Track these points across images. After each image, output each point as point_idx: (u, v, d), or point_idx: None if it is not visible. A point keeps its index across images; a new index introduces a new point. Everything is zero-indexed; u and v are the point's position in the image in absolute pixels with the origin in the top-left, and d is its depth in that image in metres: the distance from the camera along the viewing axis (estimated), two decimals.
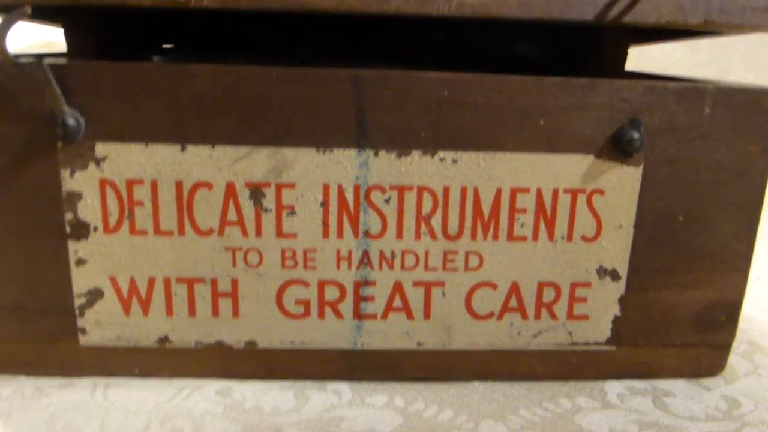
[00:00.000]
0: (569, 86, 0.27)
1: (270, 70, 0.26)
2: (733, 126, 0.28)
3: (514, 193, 0.28)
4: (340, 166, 0.27)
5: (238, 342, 0.30)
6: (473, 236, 0.29)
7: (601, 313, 0.30)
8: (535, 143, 0.28)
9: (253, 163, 0.27)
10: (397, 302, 0.29)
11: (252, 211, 0.28)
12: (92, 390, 0.29)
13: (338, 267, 0.29)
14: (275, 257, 0.29)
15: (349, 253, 0.29)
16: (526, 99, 0.27)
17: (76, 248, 0.28)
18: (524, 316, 0.30)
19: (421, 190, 0.28)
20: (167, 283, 0.29)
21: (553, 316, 0.30)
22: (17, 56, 0.25)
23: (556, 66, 0.37)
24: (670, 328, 0.31)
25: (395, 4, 0.26)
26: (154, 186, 0.27)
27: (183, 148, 0.27)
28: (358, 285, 0.29)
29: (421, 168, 0.28)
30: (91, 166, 0.27)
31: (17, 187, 0.27)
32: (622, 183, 0.28)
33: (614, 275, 0.30)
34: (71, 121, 0.26)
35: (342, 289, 0.29)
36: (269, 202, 0.28)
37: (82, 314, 0.29)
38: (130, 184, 0.27)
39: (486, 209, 0.28)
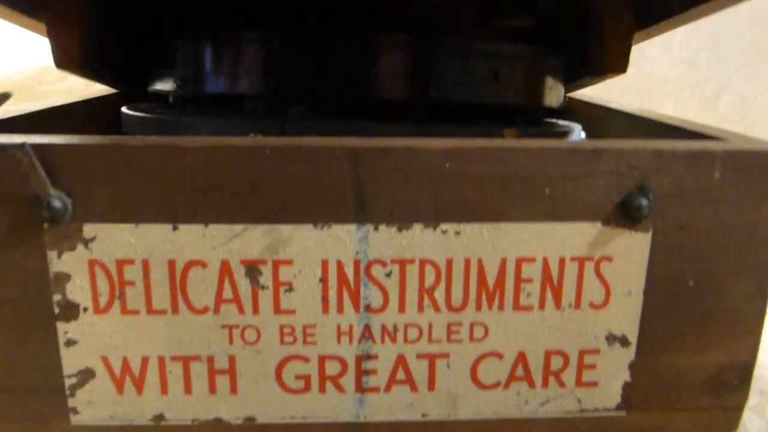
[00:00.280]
0: (575, 154, 0.26)
1: (263, 147, 0.25)
2: (743, 188, 0.27)
3: (519, 263, 0.27)
4: (339, 241, 0.26)
5: (236, 418, 0.29)
6: (478, 307, 0.28)
7: (610, 379, 0.29)
8: (541, 212, 0.27)
9: (248, 240, 0.26)
10: (401, 375, 0.28)
11: (248, 288, 0.27)
12: None
13: (339, 342, 0.28)
14: (273, 334, 0.27)
15: (350, 327, 0.28)
16: (531, 169, 0.26)
17: (65, 329, 0.27)
18: (531, 384, 0.29)
19: (423, 263, 0.27)
20: (162, 361, 0.28)
21: (561, 383, 0.29)
22: None
23: (557, 57, 0.36)
24: (682, 392, 0.30)
25: None
26: (145, 266, 0.26)
27: (175, 228, 0.26)
28: (359, 359, 0.28)
29: (422, 241, 0.27)
30: (80, 247, 0.26)
31: (2, 269, 0.26)
32: (631, 249, 0.27)
33: (624, 341, 0.29)
34: (57, 204, 0.25)
35: (343, 363, 0.28)
36: (266, 279, 0.27)
37: (73, 394, 0.28)
38: (121, 264, 0.26)
39: (491, 280, 0.27)
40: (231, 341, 0.27)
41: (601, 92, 0.84)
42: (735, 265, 0.28)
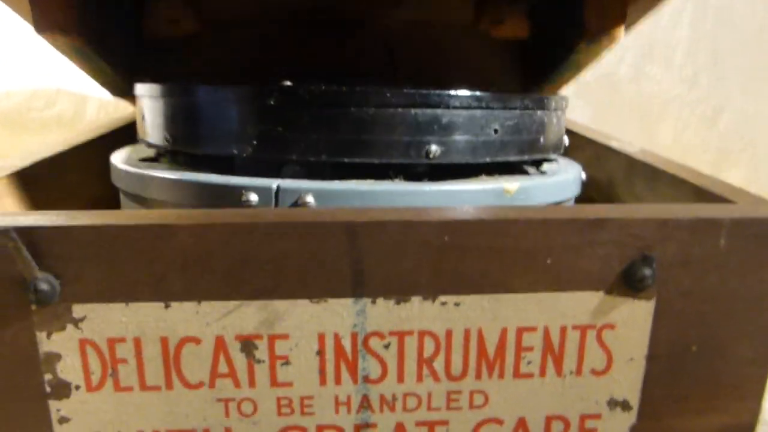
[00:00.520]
0: (577, 225, 0.25)
1: (256, 224, 0.24)
2: (749, 256, 0.26)
3: (520, 332, 0.27)
4: (336, 315, 0.26)
5: None
6: (478, 376, 0.27)
7: None
8: (542, 282, 0.26)
9: (242, 316, 0.25)
10: None
11: (244, 363, 0.26)
12: None
13: (337, 412, 0.27)
14: (270, 406, 0.27)
15: (348, 398, 0.27)
16: (532, 240, 0.25)
17: (58, 407, 0.26)
18: None
19: (422, 334, 0.26)
20: None
21: None
22: None
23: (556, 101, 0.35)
24: None
25: None
26: (137, 343, 0.26)
27: (167, 306, 0.25)
28: (358, 428, 0.28)
29: (421, 313, 0.26)
30: (69, 327, 0.25)
31: None
32: (634, 317, 0.27)
33: (625, 405, 0.28)
34: (44, 287, 0.24)
35: None
36: (262, 353, 0.26)
37: None
38: (112, 342, 0.25)
39: (491, 349, 0.27)
40: (227, 414, 0.27)
41: (602, 110, 0.83)
42: (739, 329, 0.27)
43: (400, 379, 0.27)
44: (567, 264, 0.26)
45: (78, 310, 0.25)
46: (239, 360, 0.26)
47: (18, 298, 0.25)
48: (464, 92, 0.31)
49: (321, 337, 0.26)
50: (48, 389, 0.26)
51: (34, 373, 0.26)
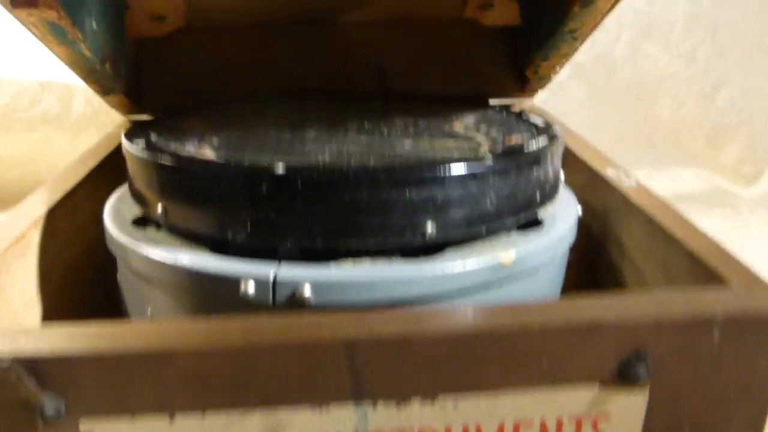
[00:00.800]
0: (575, 330, 0.26)
1: (255, 346, 0.24)
2: (742, 348, 0.27)
3: (517, 426, 0.27)
4: (338, 421, 0.26)
5: None
6: None
7: None
8: (539, 380, 0.27)
9: (246, 426, 0.26)
10: None
11: None
12: None
13: None
14: None
15: None
16: (530, 346, 0.26)
17: None
18: None
19: (422, 431, 0.27)
20: None
21: None
22: None
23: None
24: None
25: None
26: None
27: (172, 418, 0.26)
28: None
29: (422, 414, 0.27)
30: None
31: None
32: (628, 407, 0.28)
33: None
34: (50, 411, 0.24)
35: None
36: None
37: None
38: None
39: None
40: None
41: (596, 91, 0.81)
42: (731, 414, 0.28)
43: None
44: (563, 363, 0.26)
45: (84, 425, 0.25)
46: None
47: (25, 418, 0.25)
48: (459, 169, 0.30)
49: None
50: None
51: None
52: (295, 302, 0.29)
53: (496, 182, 0.32)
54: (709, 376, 0.27)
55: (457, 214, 0.31)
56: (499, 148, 0.36)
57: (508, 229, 0.35)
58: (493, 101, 0.63)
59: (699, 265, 0.31)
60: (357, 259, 0.31)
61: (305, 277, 0.29)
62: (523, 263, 0.33)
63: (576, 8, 0.45)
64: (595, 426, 0.28)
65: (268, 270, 0.29)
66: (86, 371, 0.24)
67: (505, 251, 0.32)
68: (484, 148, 0.39)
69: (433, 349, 0.25)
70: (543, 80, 0.64)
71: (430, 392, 0.26)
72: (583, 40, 0.52)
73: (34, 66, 0.74)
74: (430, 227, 0.31)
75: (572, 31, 0.49)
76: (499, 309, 0.27)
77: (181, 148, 0.35)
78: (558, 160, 0.38)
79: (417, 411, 0.27)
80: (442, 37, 0.64)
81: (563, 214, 0.38)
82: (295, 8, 0.59)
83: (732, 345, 0.27)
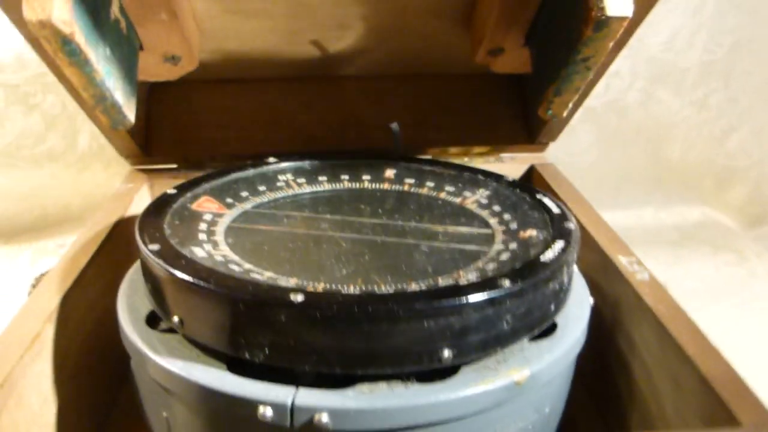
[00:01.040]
0: None
1: None
2: None
3: None
4: None
5: None
6: None
7: None
8: None
9: None
10: None
11: None
12: None
13: None
14: None
15: None
16: None
17: None
18: None
19: None
20: None
21: None
22: None
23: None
24: None
25: None
26: None
27: None
28: None
29: None
30: None
31: None
32: None
33: None
34: None
35: None
36: None
37: None
38: None
39: None
40: None
41: (607, 134, 0.81)
42: None
43: None
44: None
45: None
46: None
47: None
48: (477, 297, 0.31)
49: None
50: None
51: None
52: (313, 428, 0.30)
53: (513, 304, 0.32)
54: None
55: (473, 338, 0.31)
56: (515, 254, 0.36)
57: (521, 340, 0.35)
58: (505, 156, 0.64)
59: (712, 395, 0.31)
60: (373, 384, 0.31)
61: (323, 404, 0.29)
62: (537, 379, 0.33)
63: (588, 32, 0.44)
64: None
65: (286, 396, 0.30)
66: None
67: (519, 371, 0.32)
68: (497, 244, 0.39)
69: None
70: (553, 131, 0.64)
71: None
72: (595, 70, 0.51)
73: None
74: (447, 353, 0.31)
75: (585, 60, 0.48)
76: None
77: (194, 255, 0.35)
78: (573, 260, 0.38)
79: None
80: (452, 90, 0.64)
81: (576, 314, 0.38)
82: (306, 62, 0.58)
83: None
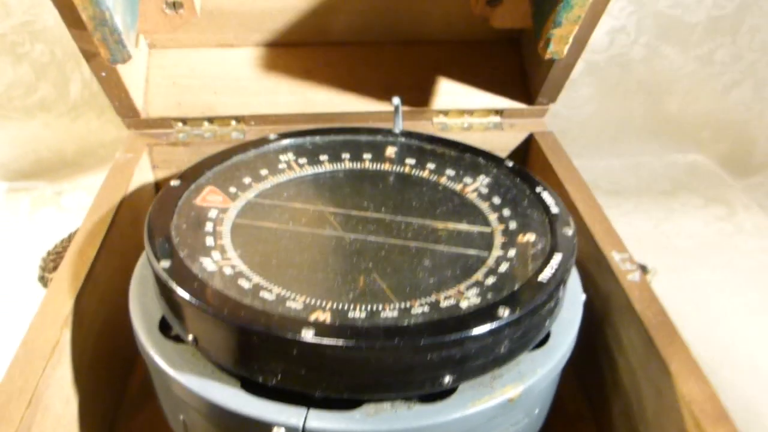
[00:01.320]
0: None
1: None
2: None
3: None
4: None
5: None
6: None
7: None
8: None
9: None
10: None
11: None
12: None
13: None
14: None
15: None
16: None
17: None
18: None
19: None
20: None
21: None
22: None
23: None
24: None
25: None
26: None
27: None
28: None
29: None
30: None
31: None
32: None
33: None
34: None
35: None
36: None
37: None
38: None
39: None
40: None
41: (608, 88, 0.80)
42: None
43: None
44: None
45: None
46: None
47: None
48: (479, 329, 0.32)
49: None
50: None
51: None
52: None
53: (511, 330, 0.34)
54: None
55: (473, 363, 0.33)
56: (513, 268, 0.38)
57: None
58: (504, 122, 0.63)
59: (689, 415, 0.34)
60: (378, 405, 0.33)
61: (332, 426, 0.32)
62: (530, 391, 0.35)
63: None
64: None
65: (298, 420, 0.32)
66: None
67: (513, 388, 0.35)
68: (496, 249, 0.40)
69: None
70: (551, 89, 0.63)
71: None
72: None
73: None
74: (447, 378, 0.33)
75: None
76: None
77: (204, 271, 0.36)
78: (570, 269, 0.39)
79: None
80: (452, 56, 0.62)
81: (569, 317, 0.40)
82: (306, 29, 0.56)
83: None
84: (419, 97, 0.62)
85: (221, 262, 0.38)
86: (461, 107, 0.62)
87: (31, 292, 0.50)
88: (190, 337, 0.35)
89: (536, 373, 0.36)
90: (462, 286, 0.37)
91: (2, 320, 0.60)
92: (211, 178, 0.46)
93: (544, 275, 0.37)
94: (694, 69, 0.75)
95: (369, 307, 0.34)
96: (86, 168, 0.80)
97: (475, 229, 0.43)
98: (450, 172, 0.49)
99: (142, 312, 0.39)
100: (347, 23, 0.59)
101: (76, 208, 0.76)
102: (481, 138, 0.61)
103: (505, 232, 0.42)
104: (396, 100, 0.53)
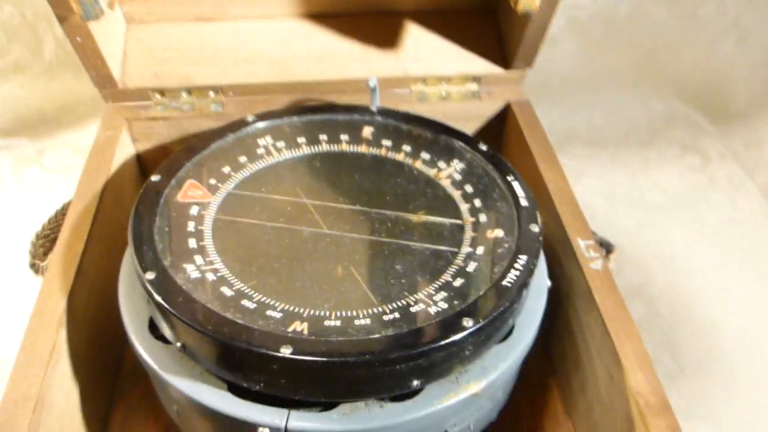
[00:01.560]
0: None
1: None
2: None
3: None
4: None
5: None
6: None
7: None
8: None
9: None
10: None
11: None
12: None
13: None
14: None
15: None
16: None
17: None
18: None
19: None
20: None
21: None
22: None
23: None
24: None
25: None
26: None
27: None
28: None
29: None
30: None
31: None
32: None
33: None
34: None
35: None
36: None
37: None
38: None
39: None
40: None
41: (590, 42, 0.78)
42: None
43: None
44: None
45: None
46: None
47: None
48: (445, 341, 0.35)
49: None
50: None
51: None
52: None
53: (475, 338, 0.37)
54: None
55: (439, 368, 0.36)
56: (479, 269, 0.40)
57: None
58: (482, 91, 0.63)
59: (635, 408, 0.37)
60: (354, 405, 0.36)
61: (311, 426, 0.35)
62: (494, 383, 0.39)
63: None
64: None
65: (281, 420, 0.35)
66: None
67: (477, 383, 0.38)
68: (465, 246, 0.42)
69: None
70: (528, 53, 0.62)
71: None
72: None
73: None
74: (415, 382, 0.36)
75: None
76: None
77: (188, 280, 0.38)
78: (534, 268, 0.41)
79: None
80: (429, 25, 0.62)
81: (533, 307, 0.43)
82: (283, 1, 0.55)
83: None
84: (397, 65, 0.61)
85: (204, 266, 0.40)
86: (439, 74, 0.62)
87: (22, 261, 0.51)
88: (178, 344, 0.37)
89: (499, 368, 0.39)
90: (431, 288, 0.39)
91: None
92: (191, 171, 0.47)
93: (509, 278, 0.39)
94: (677, 24, 0.74)
95: (344, 313, 0.37)
96: (66, 125, 0.79)
97: (447, 221, 0.45)
98: (425, 155, 0.50)
99: (132, 312, 0.41)
100: None
101: (60, 167, 0.77)
102: (459, 108, 0.62)
103: (476, 226, 0.44)
104: (372, 81, 0.53)
